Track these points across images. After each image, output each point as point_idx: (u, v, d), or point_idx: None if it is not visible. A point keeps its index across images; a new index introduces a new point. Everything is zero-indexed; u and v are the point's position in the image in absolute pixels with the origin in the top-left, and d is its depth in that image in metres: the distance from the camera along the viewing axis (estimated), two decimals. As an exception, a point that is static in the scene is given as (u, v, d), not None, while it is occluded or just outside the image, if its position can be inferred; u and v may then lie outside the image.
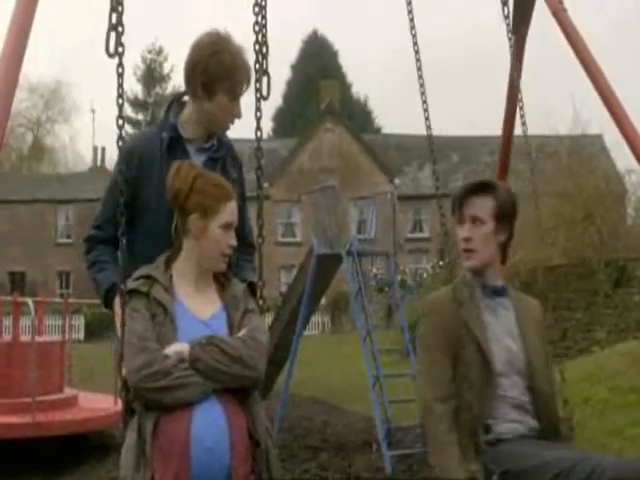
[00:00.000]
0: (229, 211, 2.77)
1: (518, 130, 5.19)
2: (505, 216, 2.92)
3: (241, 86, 2.98)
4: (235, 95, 2.98)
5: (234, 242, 2.78)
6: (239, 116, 3.05)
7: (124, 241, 2.74)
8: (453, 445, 2.71)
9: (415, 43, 3.30)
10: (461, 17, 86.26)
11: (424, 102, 3.28)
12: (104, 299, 2.99)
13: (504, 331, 2.89)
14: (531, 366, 2.86)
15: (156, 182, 2.93)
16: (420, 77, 3.29)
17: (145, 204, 2.91)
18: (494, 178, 3.31)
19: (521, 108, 3.66)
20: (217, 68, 2.90)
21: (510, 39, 3.86)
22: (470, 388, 2.77)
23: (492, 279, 2.96)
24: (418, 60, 3.29)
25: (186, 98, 3.09)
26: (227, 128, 3.10)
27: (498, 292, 2.96)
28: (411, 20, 3.32)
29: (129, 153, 2.96)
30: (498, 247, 2.94)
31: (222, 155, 3.09)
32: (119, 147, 3.01)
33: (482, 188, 2.93)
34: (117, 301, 2.83)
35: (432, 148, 3.25)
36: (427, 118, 3.32)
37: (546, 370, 2.92)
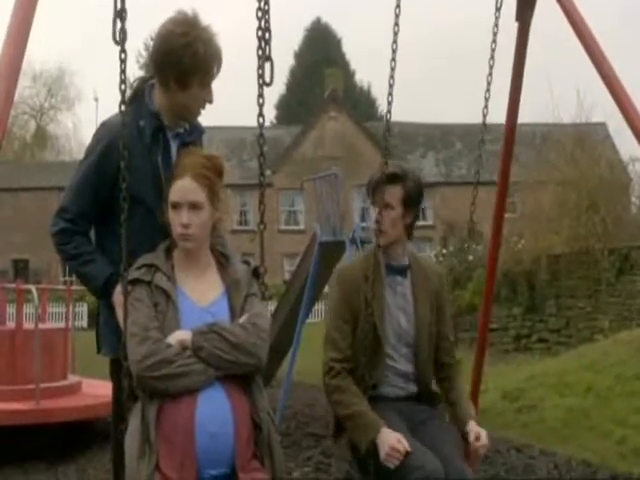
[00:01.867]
0: (174, 190, 2.73)
1: (523, 118, 5.17)
2: (412, 202, 3.35)
3: (214, 74, 2.89)
4: (208, 83, 2.89)
5: (185, 219, 2.70)
6: (211, 102, 2.96)
7: (124, 231, 2.66)
8: (360, 397, 3.20)
9: (396, 23, 3.32)
10: (466, 5, 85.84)
11: (390, 89, 3.35)
12: (101, 291, 2.92)
13: (398, 307, 3.35)
14: (417, 340, 3.34)
15: (146, 175, 2.85)
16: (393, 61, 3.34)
17: (135, 198, 2.75)
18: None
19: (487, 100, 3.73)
20: (191, 61, 2.77)
21: (496, 25, 3.84)
22: (363, 355, 3.23)
23: (398, 257, 3.40)
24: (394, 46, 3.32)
25: (153, 81, 2.97)
26: (199, 114, 3.02)
27: (400, 270, 3.39)
28: (397, 6, 3.32)
29: (110, 143, 2.84)
30: (404, 228, 3.37)
31: (194, 139, 3.05)
32: (94, 138, 2.96)
33: (393, 178, 3.31)
34: (117, 291, 2.81)
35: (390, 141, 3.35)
36: (389, 111, 3.41)
37: (430, 343, 3.38)
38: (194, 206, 2.71)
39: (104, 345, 3.02)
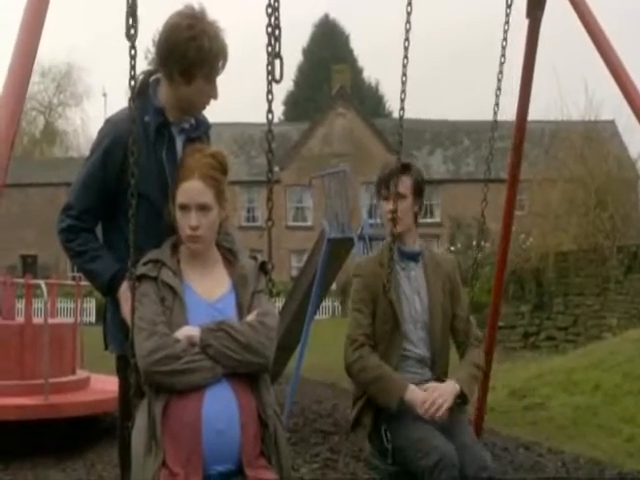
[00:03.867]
0: (182, 192, 2.73)
1: (532, 116, 5.16)
2: (420, 190, 3.56)
3: (219, 69, 2.88)
4: (213, 78, 2.89)
5: (193, 222, 2.70)
6: (216, 97, 2.95)
7: (132, 226, 2.68)
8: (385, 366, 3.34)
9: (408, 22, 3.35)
10: (473, 3, 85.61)
11: (403, 85, 3.47)
12: (106, 288, 2.92)
13: (413, 291, 3.49)
14: (431, 321, 3.45)
15: (150, 170, 2.85)
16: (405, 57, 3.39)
17: (140, 194, 2.74)
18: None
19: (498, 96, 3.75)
20: (196, 54, 2.77)
21: (507, 22, 3.83)
22: (382, 339, 3.41)
23: (410, 244, 3.57)
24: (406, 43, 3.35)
25: (158, 75, 2.97)
26: (203, 109, 3.02)
27: (412, 256, 3.55)
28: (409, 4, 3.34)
29: (115, 139, 2.86)
30: (413, 216, 3.56)
31: (199, 135, 3.04)
32: (99, 135, 2.95)
33: (404, 168, 3.50)
34: (124, 287, 2.82)
35: (400, 140, 3.53)
36: (402, 108, 3.47)
37: (444, 325, 3.49)
38: (202, 207, 2.71)
39: (111, 342, 3.03)
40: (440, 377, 3.44)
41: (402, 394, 3.25)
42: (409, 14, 3.39)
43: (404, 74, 3.43)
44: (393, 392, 3.27)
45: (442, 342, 3.49)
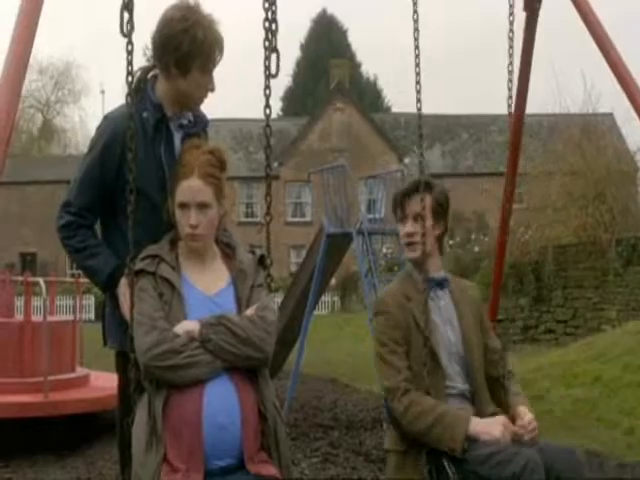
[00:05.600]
0: (181, 190, 2.72)
1: (530, 109, 5.16)
2: (441, 211, 3.23)
3: (214, 60, 2.88)
4: (209, 70, 2.89)
5: (193, 220, 2.70)
6: (213, 90, 2.95)
7: (131, 222, 2.66)
8: (442, 405, 2.97)
9: (416, 29, 3.26)
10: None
11: (417, 83, 3.30)
12: (105, 284, 2.91)
13: (445, 321, 3.16)
14: (467, 353, 3.12)
15: (148, 166, 2.84)
16: (417, 56, 3.28)
17: (138, 190, 2.71)
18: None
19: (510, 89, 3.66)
20: (190, 45, 2.78)
21: (511, 14, 3.81)
22: (422, 381, 3.00)
23: (433, 270, 3.21)
24: (416, 39, 3.27)
25: (156, 71, 2.97)
26: (201, 102, 3.01)
27: (439, 283, 3.22)
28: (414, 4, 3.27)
29: (113, 135, 2.86)
30: (435, 240, 3.23)
31: (197, 131, 3.04)
32: (97, 131, 2.95)
33: (418, 187, 3.17)
34: (122, 283, 2.82)
35: (420, 132, 3.40)
36: (419, 100, 3.31)
37: (480, 355, 3.17)
38: (202, 206, 2.71)
39: (110, 338, 3.03)
40: (482, 412, 3.05)
41: (466, 428, 2.88)
42: (415, 4, 3.26)
43: (417, 65, 3.27)
44: (459, 428, 2.88)
45: (480, 373, 3.15)
